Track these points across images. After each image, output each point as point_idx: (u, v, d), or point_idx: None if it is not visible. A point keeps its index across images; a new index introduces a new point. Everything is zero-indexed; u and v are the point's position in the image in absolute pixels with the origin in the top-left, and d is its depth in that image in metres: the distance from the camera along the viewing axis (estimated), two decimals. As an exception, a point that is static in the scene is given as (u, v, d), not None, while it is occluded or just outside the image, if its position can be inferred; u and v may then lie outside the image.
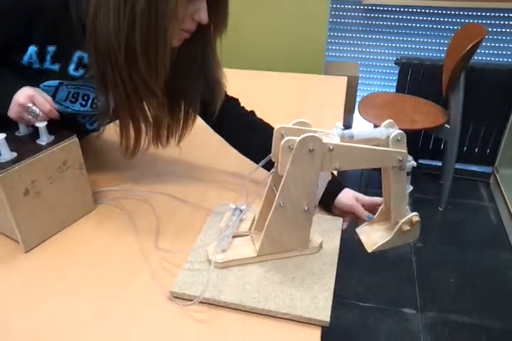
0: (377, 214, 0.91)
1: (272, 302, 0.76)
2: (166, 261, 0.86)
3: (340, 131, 0.76)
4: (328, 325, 0.73)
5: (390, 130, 0.78)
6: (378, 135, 0.78)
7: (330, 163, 0.76)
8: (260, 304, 0.75)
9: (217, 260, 0.82)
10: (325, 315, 0.74)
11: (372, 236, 0.88)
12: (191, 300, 0.76)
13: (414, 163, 0.80)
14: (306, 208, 0.80)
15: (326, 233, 0.91)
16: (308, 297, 0.77)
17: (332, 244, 0.89)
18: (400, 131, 0.77)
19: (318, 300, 0.76)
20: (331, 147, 0.74)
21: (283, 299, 0.76)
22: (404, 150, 0.78)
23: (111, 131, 1.33)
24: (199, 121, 1.40)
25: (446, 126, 2.14)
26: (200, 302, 0.76)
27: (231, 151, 1.24)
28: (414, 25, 2.41)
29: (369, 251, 0.87)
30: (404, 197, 0.83)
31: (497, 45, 2.36)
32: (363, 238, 0.89)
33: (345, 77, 1.73)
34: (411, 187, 0.83)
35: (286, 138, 0.73)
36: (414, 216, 0.83)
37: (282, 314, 0.74)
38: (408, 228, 0.83)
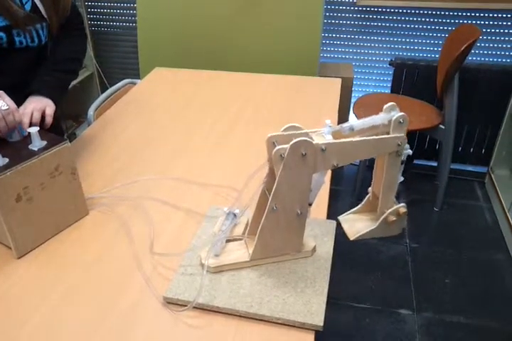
0: (362, 203, 0.90)
1: (265, 306, 0.76)
2: (159, 266, 0.86)
3: (330, 129, 0.76)
4: (322, 329, 0.74)
5: (391, 113, 0.76)
6: (380, 121, 0.76)
7: (325, 162, 0.75)
8: (253, 309, 0.75)
9: (210, 264, 0.81)
10: (318, 319, 0.74)
11: (356, 225, 0.87)
12: (185, 306, 0.76)
13: (410, 152, 0.79)
14: (299, 212, 0.80)
15: (320, 237, 0.91)
16: (301, 301, 0.77)
17: (326, 247, 0.89)
18: (402, 113, 0.75)
19: (311, 305, 0.76)
20: (323, 147, 0.74)
21: (276, 303, 0.76)
22: (403, 135, 0.76)
23: (103, 137, 1.33)
24: (193, 126, 1.41)
25: (441, 126, 2.14)
26: (194, 307, 0.76)
27: (224, 155, 1.24)
28: (408, 26, 2.42)
29: (351, 238, 0.86)
30: (394, 187, 0.82)
31: (491, 45, 2.37)
32: (345, 226, 0.88)
33: (339, 79, 1.73)
34: (402, 178, 0.82)
35: (277, 148, 0.73)
36: (402, 207, 0.83)
37: (276, 318, 0.74)
38: (394, 219, 0.83)
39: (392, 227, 0.85)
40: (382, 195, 0.82)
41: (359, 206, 0.91)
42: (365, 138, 0.76)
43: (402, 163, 0.80)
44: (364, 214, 0.90)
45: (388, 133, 0.77)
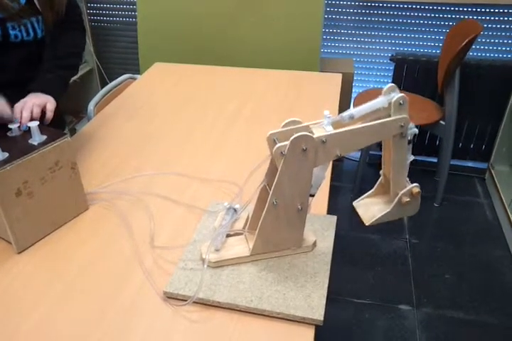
0: (375, 187, 0.87)
1: (265, 301, 0.76)
2: (160, 261, 0.86)
3: (330, 120, 0.75)
4: (322, 323, 0.74)
5: (391, 95, 0.74)
6: (380, 104, 0.74)
7: (327, 153, 0.75)
8: (254, 303, 0.75)
9: (211, 259, 0.81)
10: (318, 313, 0.74)
11: (371, 210, 0.85)
12: (185, 300, 0.76)
13: (416, 130, 0.77)
14: (300, 207, 0.80)
15: (320, 231, 0.91)
16: (301, 296, 0.77)
17: (326, 242, 0.89)
18: (401, 94, 0.73)
19: (311, 299, 0.76)
20: (323, 139, 0.73)
21: (276, 298, 0.76)
22: (406, 115, 0.75)
23: (104, 132, 1.33)
24: (194, 121, 1.41)
25: (442, 122, 2.13)
26: (194, 302, 0.76)
27: (225, 150, 1.24)
28: (409, 21, 2.40)
29: (367, 224, 0.84)
30: (405, 168, 0.80)
31: (492, 41, 2.36)
32: (360, 211, 0.86)
33: (340, 74, 1.73)
34: (412, 157, 0.80)
35: (277, 145, 0.72)
36: (415, 187, 0.80)
37: (276, 313, 0.74)
38: (408, 199, 0.80)
39: (407, 208, 0.82)
40: (393, 177, 0.80)
41: (372, 190, 0.88)
42: (364, 124, 0.74)
43: (409, 143, 0.77)
44: (378, 197, 0.87)
45: (390, 116, 0.75)
